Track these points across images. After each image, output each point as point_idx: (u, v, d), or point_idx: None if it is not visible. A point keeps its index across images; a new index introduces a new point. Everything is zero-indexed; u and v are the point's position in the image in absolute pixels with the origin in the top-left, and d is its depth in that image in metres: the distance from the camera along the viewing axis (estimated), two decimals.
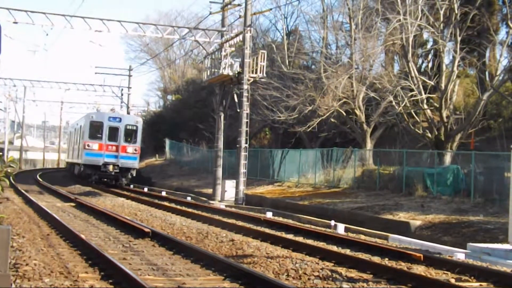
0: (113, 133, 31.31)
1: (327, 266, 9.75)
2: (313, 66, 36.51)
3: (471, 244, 12.42)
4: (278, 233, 14.11)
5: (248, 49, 25.17)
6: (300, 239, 13.28)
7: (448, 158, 23.84)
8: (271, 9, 34.91)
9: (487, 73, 27.13)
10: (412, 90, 25.25)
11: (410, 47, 24.88)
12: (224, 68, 25.89)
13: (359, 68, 30.00)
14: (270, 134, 43.03)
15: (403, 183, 22.91)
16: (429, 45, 30.55)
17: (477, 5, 24.61)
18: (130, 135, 31.80)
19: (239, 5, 25.92)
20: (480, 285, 9.05)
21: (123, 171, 31.65)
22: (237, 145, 25.34)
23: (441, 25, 25.59)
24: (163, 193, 28.45)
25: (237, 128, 25.88)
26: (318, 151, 29.90)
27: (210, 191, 28.95)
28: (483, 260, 11.17)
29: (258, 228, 15.16)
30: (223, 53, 26.12)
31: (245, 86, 24.97)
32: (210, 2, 26.65)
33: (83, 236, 11.39)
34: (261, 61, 25.30)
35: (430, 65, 29.58)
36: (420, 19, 24.73)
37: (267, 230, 14.49)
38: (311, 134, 33.00)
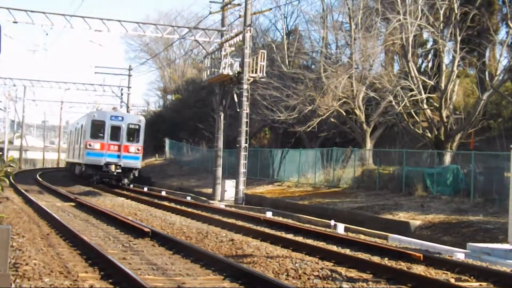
0: (115, 132, 30.78)
1: (327, 266, 9.76)
2: (313, 66, 36.52)
3: (470, 244, 12.42)
4: (278, 233, 14.12)
5: (248, 49, 25.17)
6: (300, 239, 13.28)
7: (448, 158, 23.84)
8: (271, 8, 34.94)
9: (487, 73, 27.13)
10: (412, 90, 25.26)
11: (410, 47, 24.88)
12: (224, 67, 25.89)
13: (359, 68, 30.00)
14: (270, 134, 43.03)
15: (403, 183, 22.91)
16: (429, 45, 30.56)
17: (477, 5, 24.61)
18: (132, 134, 31.30)
19: (239, 4, 25.92)
20: (480, 285, 9.05)
21: (125, 171, 31.12)
22: (237, 145, 25.34)
23: (441, 25, 25.59)
24: (163, 193, 28.44)
25: (237, 127, 25.88)
26: (318, 151, 29.90)
27: (210, 191, 28.95)
28: (482, 260, 11.18)
29: (258, 228, 15.17)
30: (223, 53, 26.12)
31: (245, 86, 24.97)
32: (210, 1, 26.65)
33: (85, 238, 11.38)
34: (261, 61, 25.30)
35: (430, 65, 29.58)
36: (420, 19, 24.73)
37: (267, 230, 14.49)
38: (311, 134, 33.01)
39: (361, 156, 27.71)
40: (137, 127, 31.52)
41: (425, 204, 20.09)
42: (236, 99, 26.16)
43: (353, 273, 9.29)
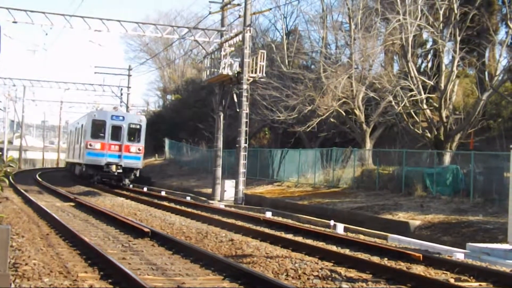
0: (116, 132, 30.44)
1: (327, 266, 9.76)
2: (312, 66, 36.51)
3: (470, 244, 12.42)
4: (278, 233, 14.12)
5: (248, 49, 25.17)
6: (299, 239, 13.28)
7: (447, 158, 23.85)
8: (270, 9, 34.98)
9: (486, 73, 27.14)
10: (411, 90, 25.27)
11: (409, 47, 24.89)
12: (224, 68, 25.90)
13: (359, 68, 30.00)
14: (270, 134, 43.04)
15: (402, 183, 22.92)
16: (428, 45, 30.57)
17: (477, 5, 24.63)
18: (133, 134, 30.97)
19: (238, 5, 25.94)
20: (480, 285, 9.05)
21: (126, 171, 30.74)
22: (237, 145, 25.34)
23: (441, 25, 25.60)
24: (163, 193, 28.43)
25: (237, 128, 25.88)
26: (318, 151, 29.91)
27: (209, 191, 28.95)
28: (482, 260, 11.18)
29: (258, 228, 15.17)
30: (223, 53, 26.12)
31: (245, 86, 24.97)
32: (210, 2, 26.67)
33: (85, 238, 11.38)
34: (260, 61, 25.30)
35: (429, 65, 29.58)
36: (420, 19, 24.74)
37: (267, 230, 14.49)
38: (310, 134, 33.01)
39: (360, 156, 27.71)
40: (138, 126, 31.20)
41: (425, 204, 20.09)
42: (235, 99, 26.16)
43: (353, 273, 9.29)
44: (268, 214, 18.92)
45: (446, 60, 26.66)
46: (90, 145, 30.05)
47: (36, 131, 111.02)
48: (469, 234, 15.70)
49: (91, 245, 10.39)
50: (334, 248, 11.98)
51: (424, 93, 25.30)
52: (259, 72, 25.37)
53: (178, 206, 21.23)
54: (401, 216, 18.76)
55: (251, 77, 25.36)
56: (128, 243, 11.62)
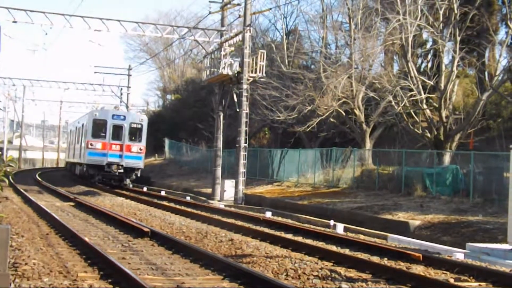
0: (117, 132, 30.14)
1: (326, 266, 9.76)
2: (312, 66, 36.52)
3: (470, 244, 12.42)
4: (277, 233, 14.11)
5: (248, 49, 25.17)
6: (299, 238, 13.28)
7: (447, 158, 23.85)
8: (270, 8, 35.00)
9: (486, 73, 27.14)
10: (411, 90, 25.27)
11: (409, 47, 24.89)
12: (224, 67, 25.90)
13: (359, 68, 30.00)
14: (270, 133, 43.04)
15: (402, 183, 22.92)
16: (428, 45, 30.57)
17: (477, 5, 24.63)
18: (134, 133, 30.65)
19: (238, 4, 25.94)
20: (479, 285, 9.06)
21: (127, 171, 30.41)
22: (237, 145, 25.34)
23: (441, 25, 25.60)
24: (162, 193, 28.42)
25: (237, 127, 25.88)
26: (318, 151, 29.91)
27: (209, 190, 28.95)
28: (482, 260, 11.18)
29: (257, 227, 15.17)
30: (223, 53, 26.12)
31: (245, 86, 24.97)
32: (210, 1, 26.66)
33: (84, 238, 11.37)
34: (260, 61, 25.30)
35: (429, 65, 29.58)
36: (420, 19, 24.74)
37: (266, 230, 14.49)
38: (310, 134, 33.01)
39: (360, 156, 27.72)
40: (139, 126, 30.90)
41: (425, 204, 20.10)
42: (235, 99, 26.16)
43: (353, 273, 9.29)
44: (268, 214, 18.92)
45: (446, 60, 26.67)
46: (91, 144, 29.78)
47: (36, 131, 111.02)
48: (468, 234, 15.70)
49: (90, 244, 10.39)
50: (334, 248, 11.98)
51: (424, 93, 25.30)
52: (259, 72, 25.37)
53: (177, 206, 21.23)
54: (401, 216, 18.77)
55: (251, 77, 25.36)
56: (127, 243, 11.62)
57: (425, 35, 29.50)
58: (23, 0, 61.19)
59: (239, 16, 26.48)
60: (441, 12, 24.91)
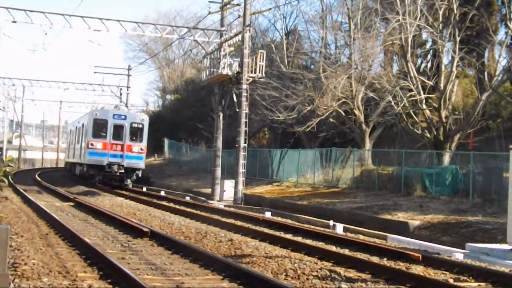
0: (118, 132, 29.62)
1: (326, 266, 9.76)
2: (312, 66, 36.53)
3: (469, 244, 12.43)
4: (277, 233, 14.11)
5: (247, 49, 25.18)
6: (299, 239, 13.28)
7: (447, 158, 23.85)
8: (270, 9, 35.01)
9: (486, 73, 27.15)
10: (411, 90, 25.27)
11: (409, 47, 24.89)
12: (223, 67, 25.90)
13: (358, 68, 30.01)
14: (269, 134, 43.05)
15: (402, 183, 22.92)
16: (428, 45, 30.59)
17: (476, 5, 24.64)
18: (135, 133, 30.28)
19: (238, 4, 25.95)
20: (479, 285, 9.06)
21: (128, 172, 30.03)
22: (236, 145, 25.34)
23: (440, 25, 25.61)
24: (162, 193, 28.41)
25: (236, 128, 25.88)
26: (317, 151, 29.91)
27: (209, 191, 28.95)
28: (481, 260, 11.18)
29: (257, 228, 15.16)
30: (222, 53, 26.13)
31: (244, 86, 24.98)
32: (209, 1, 26.67)
33: (84, 238, 11.36)
34: (260, 61, 25.31)
35: (429, 65, 29.60)
36: (419, 19, 24.75)
37: (266, 230, 14.49)
38: (310, 134, 33.02)
39: (360, 156, 27.72)
40: (140, 126, 30.52)
41: (424, 204, 20.10)
42: (235, 99, 26.16)
43: (352, 273, 9.29)
44: (268, 214, 18.92)
45: (445, 60, 26.68)
46: (92, 144, 29.44)
47: (35, 131, 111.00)
48: (468, 234, 15.70)
49: (90, 245, 10.38)
50: (333, 248, 11.98)
51: (424, 93, 25.31)
52: (259, 72, 25.38)
53: (177, 206, 21.22)
54: (400, 216, 18.77)
55: (250, 77, 25.36)
56: (127, 243, 11.62)
57: (424, 35, 29.52)
58: (22, 0, 61.17)
59: (239, 16, 26.50)
60: (440, 12, 24.92)
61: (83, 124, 32.41)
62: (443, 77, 25.05)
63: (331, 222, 16.34)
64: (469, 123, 24.73)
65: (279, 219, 17.98)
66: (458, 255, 11.50)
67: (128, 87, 48.39)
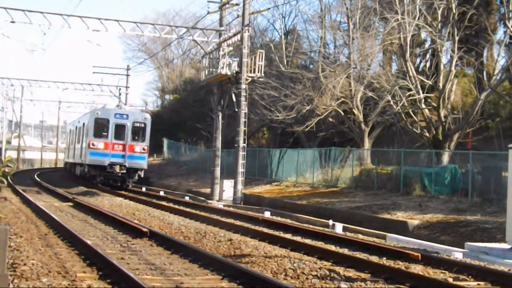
0: (119, 131, 29.00)
1: (325, 265, 9.76)
2: (311, 66, 36.55)
3: (469, 243, 12.43)
4: (276, 233, 14.11)
5: (246, 49, 25.18)
6: (298, 238, 13.28)
7: (446, 158, 23.87)
8: (269, 8, 35.06)
9: (485, 72, 27.17)
10: (410, 89, 25.28)
11: (408, 46, 24.90)
12: (222, 67, 25.90)
13: (357, 68, 30.03)
14: (268, 133, 43.06)
15: (401, 183, 22.93)
16: (427, 45, 30.61)
17: (475, 4, 24.65)
18: (137, 133, 29.69)
19: (237, 4, 25.98)
20: (478, 284, 9.06)
21: (130, 172, 29.38)
22: (235, 145, 25.35)
23: (439, 24, 25.62)
24: (161, 193, 28.40)
25: (235, 127, 25.89)
26: (316, 151, 29.91)
27: (208, 190, 28.94)
28: (481, 259, 11.19)
29: (256, 227, 15.16)
30: (221, 53, 26.12)
31: (243, 86, 24.98)
32: (208, 1, 26.69)
33: (83, 238, 11.35)
34: (259, 61, 25.30)
35: (428, 64, 29.61)
36: (418, 19, 24.75)
37: (265, 230, 14.49)
38: (309, 134, 33.03)
39: (359, 156, 27.73)
40: (142, 125, 29.91)
41: (423, 203, 20.10)
42: (234, 99, 26.16)
43: (351, 273, 9.30)
44: (267, 214, 18.92)
45: (444, 59, 26.70)
46: (93, 144, 28.87)
47: (34, 131, 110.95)
48: (467, 234, 15.70)
49: (89, 245, 10.38)
50: (332, 247, 11.99)
51: (423, 93, 25.31)
52: (258, 72, 25.37)
53: (176, 206, 21.21)
54: (399, 215, 18.78)
55: (249, 76, 25.36)
56: (126, 243, 11.61)
57: (423, 35, 29.54)
58: (21, 0, 61.15)
59: (238, 16, 26.52)
60: (439, 12, 24.92)
61: (83, 124, 31.87)
62: (442, 77, 25.06)
63: (331, 222, 16.35)
64: (468, 123, 24.74)
65: (278, 218, 17.98)
66: (457, 254, 11.50)
67: (127, 87, 48.40)
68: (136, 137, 29.64)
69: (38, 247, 10.55)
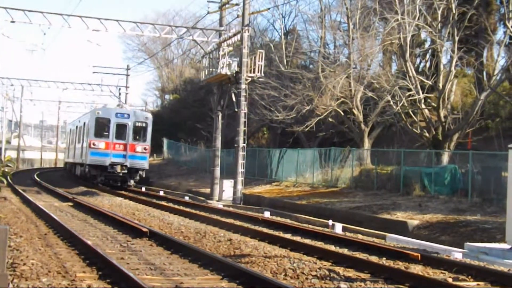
0: (120, 131, 28.75)
1: (325, 265, 9.76)
2: (311, 66, 36.55)
3: (468, 243, 12.43)
4: (276, 233, 14.12)
5: (246, 49, 25.18)
6: (298, 238, 13.29)
7: (445, 158, 23.87)
8: (269, 8, 35.07)
9: (484, 72, 27.16)
10: (410, 89, 25.29)
11: (408, 46, 24.90)
12: (222, 67, 25.90)
13: (357, 68, 30.03)
14: (268, 133, 43.06)
15: (400, 183, 22.92)
16: (427, 45, 30.60)
17: (475, 4, 24.65)
18: (139, 132, 29.48)
19: (237, 4, 25.98)
20: (478, 284, 9.06)
21: (131, 172, 29.15)
22: (235, 145, 25.35)
23: (439, 24, 25.62)
24: (161, 193, 28.38)
25: (235, 127, 25.89)
26: (316, 151, 29.91)
27: (208, 190, 28.93)
28: (480, 259, 11.19)
29: (256, 227, 15.16)
30: (221, 53, 26.12)
31: (243, 86, 24.98)
32: (208, 1, 26.70)
33: (83, 238, 11.36)
34: (259, 61, 25.30)
35: (428, 64, 29.60)
36: (418, 19, 24.75)
37: (265, 230, 14.49)
38: (309, 134, 33.03)
39: (359, 156, 27.72)
40: (144, 125, 29.70)
41: (423, 203, 20.10)
42: (234, 99, 26.17)
43: (351, 273, 9.30)
44: (267, 214, 18.92)
45: (444, 59, 26.71)
46: (94, 144, 28.60)
47: (34, 131, 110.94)
48: (467, 234, 15.70)
49: (89, 245, 10.38)
50: (332, 247, 11.99)
51: (422, 93, 25.31)
52: (258, 72, 25.37)
53: (176, 206, 21.22)
54: (399, 215, 18.78)
55: (249, 76, 25.36)
56: (126, 243, 11.61)
57: (423, 35, 29.54)
58: (21, 0, 61.17)
59: (238, 16, 26.52)
60: (439, 12, 24.93)
61: (84, 123, 31.58)
62: (442, 77, 25.06)
63: (330, 222, 16.35)
64: (468, 123, 24.74)
65: (278, 218, 17.98)
66: (457, 255, 11.50)
67: (127, 87, 48.37)
68: (138, 137, 29.39)
69: (38, 247, 10.55)
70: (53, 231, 13.01)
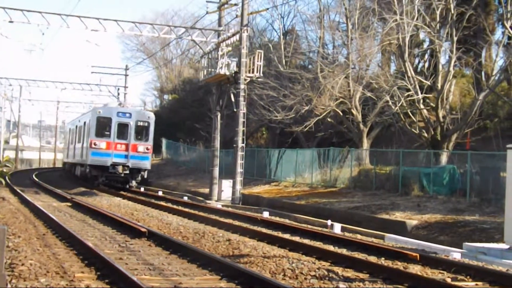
0: (122, 130, 28.20)
1: (324, 265, 9.76)
2: (309, 66, 36.56)
3: (467, 243, 12.45)
4: (275, 233, 14.12)
5: (245, 49, 25.18)
6: (296, 238, 13.29)
7: (444, 158, 23.88)
8: (267, 8, 35.07)
9: (483, 73, 27.18)
10: (408, 90, 25.30)
11: (406, 47, 24.91)
12: (221, 67, 25.89)
13: (356, 68, 30.05)
14: (267, 133, 43.06)
15: (399, 183, 22.94)
16: (425, 45, 30.62)
17: (473, 5, 24.67)
18: (141, 132, 28.82)
19: (235, 4, 25.97)
20: (476, 284, 9.07)
21: (133, 173, 28.54)
22: (234, 145, 25.35)
23: (438, 25, 25.64)
24: (160, 193, 28.37)
25: (234, 127, 25.88)
26: (315, 151, 29.92)
27: (207, 190, 28.92)
28: (479, 259, 11.20)
29: (255, 227, 15.16)
30: (220, 53, 26.12)
31: (242, 86, 24.98)
32: (207, 1, 26.71)
33: (82, 238, 11.34)
34: (258, 61, 25.31)
35: (426, 65, 29.63)
36: (417, 19, 24.77)
37: (264, 230, 14.49)
38: (308, 134, 33.04)
39: (358, 156, 27.73)
40: (146, 124, 29.27)
41: (422, 204, 20.11)
42: (233, 99, 26.16)
43: (350, 273, 9.30)
44: (266, 214, 18.92)
45: (443, 60, 26.72)
46: (95, 144, 27.98)
47: (32, 131, 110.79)
48: (465, 234, 15.71)
49: (88, 245, 10.37)
50: (331, 248, 11.99)
51: (421, 93, 25.33)
52: (256, 72, 25.38)
53: (175, 206, 21.21)
54: (398, 215, 18.78)
55: (248, 77, 25.36)
56: (125, 243, 11.60)
57: (422, 35, 29.54)
58: (19, 0, 61.14)
59: (237, 16, 26.51)
60: (438, 12, 24.94)
61: (85, 123, 30.97)
62: (441, 77, 25.08)
63: (329, 222, 16.35)
64: (467, 123, 24.76)
65: (277, 219, 17.99)
66: (455, 255, 11.52)
67: (125, 87, 48.33)
68: (140, 137, 28.90)
69: (36, 247, 10.54)
70: (51, 231, 13.00)
